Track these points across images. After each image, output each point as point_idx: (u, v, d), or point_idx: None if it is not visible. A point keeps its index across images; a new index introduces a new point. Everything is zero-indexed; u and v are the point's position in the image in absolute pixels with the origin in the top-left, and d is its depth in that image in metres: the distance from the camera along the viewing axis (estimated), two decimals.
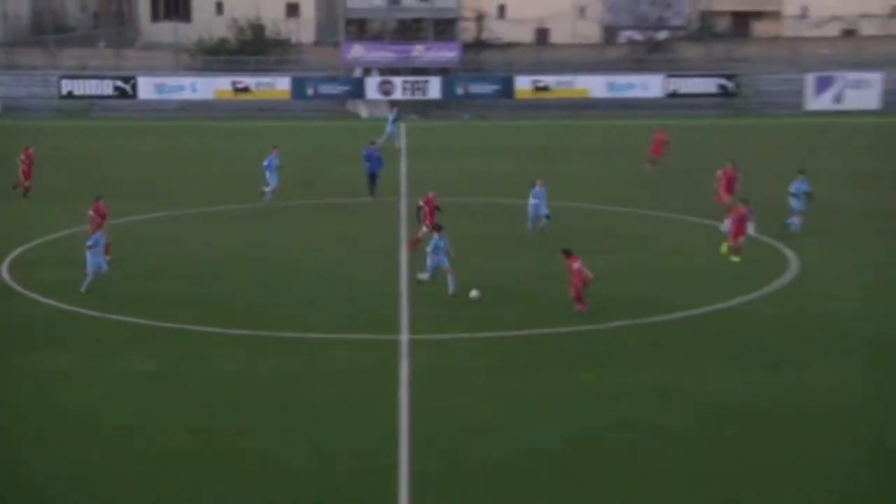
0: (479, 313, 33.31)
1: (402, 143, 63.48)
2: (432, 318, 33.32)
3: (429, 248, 34.12)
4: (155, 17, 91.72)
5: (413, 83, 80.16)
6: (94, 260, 33.93)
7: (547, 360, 29.11)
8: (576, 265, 32.25)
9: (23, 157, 48.90)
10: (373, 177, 48.73)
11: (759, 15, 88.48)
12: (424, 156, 53.09)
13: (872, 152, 58.89)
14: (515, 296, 34.49)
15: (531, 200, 42.67)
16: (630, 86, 79.37)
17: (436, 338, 31.73)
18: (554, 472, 23.74)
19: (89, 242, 34.46)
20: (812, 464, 24.08)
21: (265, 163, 48.70)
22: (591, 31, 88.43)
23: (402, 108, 68.99)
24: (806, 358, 30.47)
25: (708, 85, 79.35)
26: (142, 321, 30.21)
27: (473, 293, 32.79)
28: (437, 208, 39.82)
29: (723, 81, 79.14)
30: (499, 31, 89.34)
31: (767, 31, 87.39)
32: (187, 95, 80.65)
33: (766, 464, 24.41)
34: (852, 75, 77.85)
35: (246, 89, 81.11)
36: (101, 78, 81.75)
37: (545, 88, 79.37)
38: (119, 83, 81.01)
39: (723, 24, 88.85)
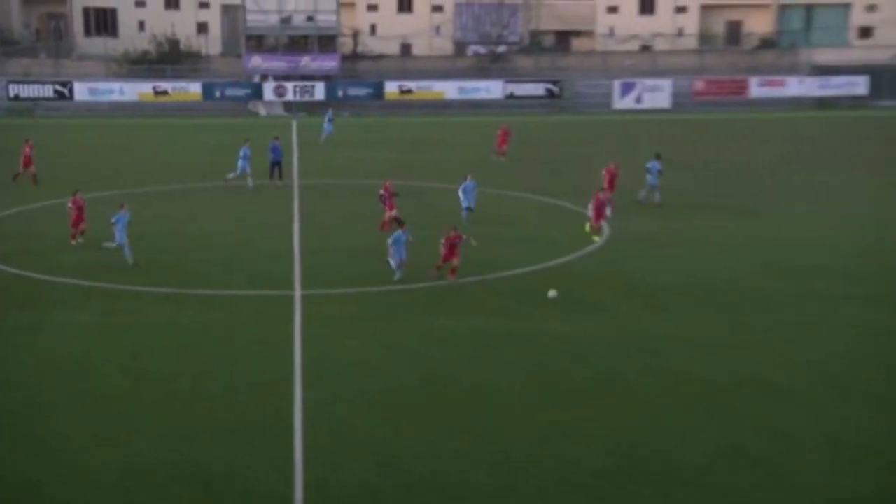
0: (360, 272, 33.61)
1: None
2: (320, 277, 33.59)
3: (390, 241, 32.15)
4: (87, 33, 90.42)
5: (302, 87, 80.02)
6: (119, 235, 33.06)
7: (413, 309, 29.50)
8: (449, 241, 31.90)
9: (26, 148, 47.92)
10: (276, 164, 48.30)
11: (576, 33, 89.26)
12: (313, 147, 52.81)
13: (666, 141, 59.62)
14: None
15: (462, 193, 40.51)
16: (476, 89, 79.79)
17: (323, 293, 31.99)
18: (416, 402, 23.97)
19: (113, 219, 33.30)
20: (617, 385, 24.51)
21: (240, 153, 47.48)
22: (445, 46, 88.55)
23: (335, 109, 68.18)
24: (615, 304, 30.99)
25: (537, 89, 79.94)
26: (84, 283, 29.93)
27: (552, 293, 30.24)
28: (395, 193, 39.35)
29: (549, 86, 79.80)
30: (371, 45, 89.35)
31: (583, 46, 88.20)
32: (116, 97, 79.89)
33: (588, 385, 24.78)
34: (649, 81, 78.98)
35: (164, 92, 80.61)
36: (43, 83, 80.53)
37: (409, 91, 79.60)
38: (58, 87, 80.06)
39: (548, 41, 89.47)
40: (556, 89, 79.41)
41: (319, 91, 79.77)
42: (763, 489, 19.64)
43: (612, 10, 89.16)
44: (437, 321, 28.91)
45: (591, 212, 37.63)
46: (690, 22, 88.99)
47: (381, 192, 39.55)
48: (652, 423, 22.67)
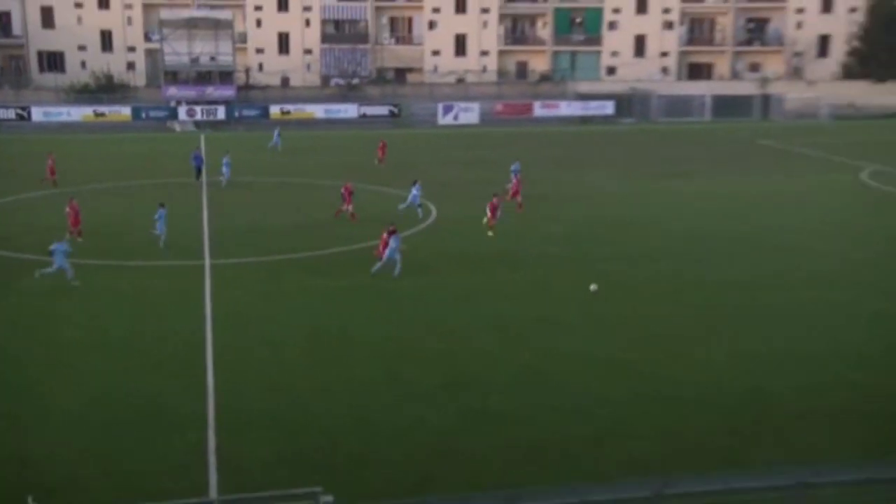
0: (256, 246, 33.69)
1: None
2: (226, 249, 33.65)
3: (388, 250, 29.77)
4: (41, 70, 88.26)
5: (207, 110, 79.12)
6: (161, 226, 32.99)
7: (298, 273, 29.91)
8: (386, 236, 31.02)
9: (49, 161, 46.69)
10: (199, 170, 47.91)
11: (410, 70, 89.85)
12: (220, 155, 52.61)
13: (477, 148, 60.69)
14: (280, 235, 34.88)
15: (413, 192, 39.24)
16: (338, 111, 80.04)
17: (229, 261, 32.09)
18: (301, 342, 24.51)
19: (156, 216, 33.05)
20: (446, 326, 25.05)
21: (223, 160, 47.45)
22: (314, 79, 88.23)
23: (282, 127, 67.23)
24: (441, 266, 31.78)
25: (383, 110, 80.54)
26: (47, 259, 29.49)
27: (593, 287, 28.43)
28: (352, 192, 38.93)
29: (391, 108, 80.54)
30: (259, 78, 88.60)
31: (415, 79, 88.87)
32: (64, 119, 77.95)
33: (426, 326, 25.60)
34: (463, 104, 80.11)
35: (102, 114, 79.12)
36: (7, 107, 78.23)
37: (288, 112, 79.38)
38: (19, 111, 77.89)
39: (390, 75, 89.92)
40: (396, 110, 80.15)
41: (221, 112, 79.13)
42: (551, 397, 20.81)
43: (436, 52, 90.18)
44: (316, 281, 29.52)
45: (489, 212, 36.11)
46: (491, 62, 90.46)
47: (342, 191, 38.93)
48: (472, 351, 23.68)
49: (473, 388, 21.08)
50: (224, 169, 47.34)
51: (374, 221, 38.51)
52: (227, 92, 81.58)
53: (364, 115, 79.83)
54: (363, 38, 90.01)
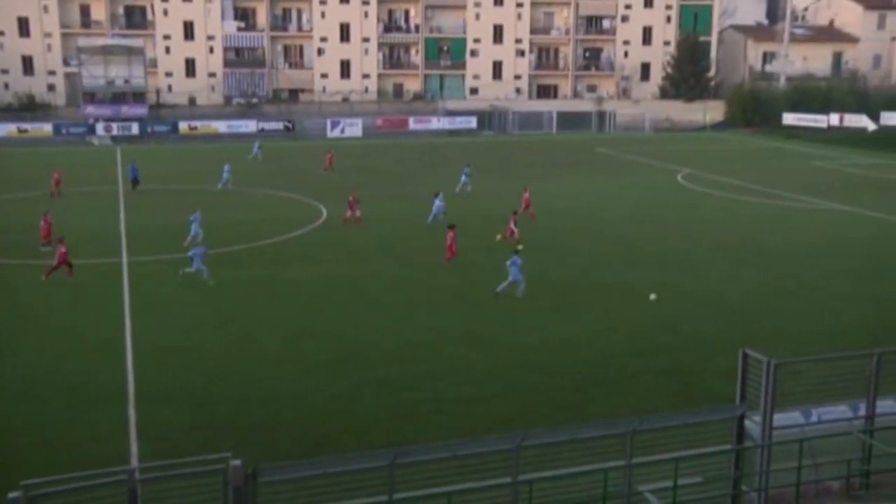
0: (169, 245, 32.86)
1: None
2: (142, 248, 32.70)
3: (509, 262, 26.68)
4: None
5: (122, 126, 76.64)
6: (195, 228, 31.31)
7: (211, 266, 29.14)
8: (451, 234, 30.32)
9: (55, 175, 45.64)
10: (135, 180, 46.20)
11: (302, 90, 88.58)
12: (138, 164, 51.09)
13: (358, 157, 60.42)
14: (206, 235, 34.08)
15: (437, 203, 37.17)
16: (240, 126, 78.42)
17: (144, 259, 31.24)
18: (216, 329, 24.12)
19: (191, 217, 31.48)
20: (336, 306, 24.95)
21: (225, 168, 46.62)
22: (218, 99, 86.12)
23: (261, 141, 65.09)
24: (331, 258, 31.69)
25: (279, 125, 79.35)
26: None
27: (652, 296, 26.60)
28: (358, 200, 37.66)
29: (287, 123, 79.34)
30: (168, 98, 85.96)
31: (307, 98, 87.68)
32: None
33: (320, 305, 25.47)
34: (348, 120, 79.65)
35: (26, 131, 75.15)
36: None
37: (195, 128, 77.32)
38: None
39: (285, 95, 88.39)
40: (290, 125, 79.08)
41: (135, 128, 76.40)
42: (428, 366, 21.06)
43: (324, 76, 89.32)
44: (225, 273, 29.00)
45: (510, 227, 33.39)
46: (372, 83, 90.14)
47: (350, 198, 37.79)
48: (360, 329, 23.74)
49: (363, 361, 21.16)
50: (225, 175, 46.76)
51: (281, 222, 38.03)
52: (140, 110, 78.99)
53: (262, 130, 78.46)
54: (261, 63, 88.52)
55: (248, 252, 32.39)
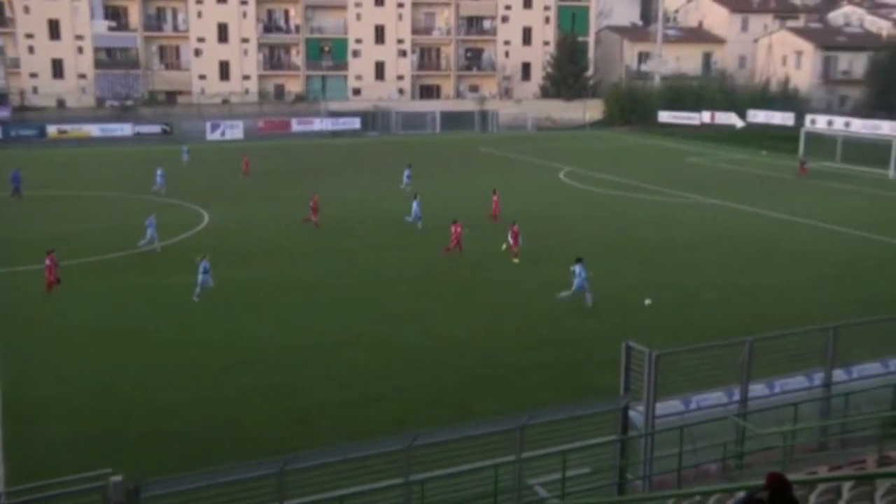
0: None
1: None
2: (13, 257, 31.16)
3: (575, 272, 25.87)
4: None
5: None
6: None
7: (87, 275, 28.02)
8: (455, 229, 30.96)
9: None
10: (16, 188, 44.11)
11: (180, 92, 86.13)
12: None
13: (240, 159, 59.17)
14: (67, 243, 32.67)
15: (414, 205, 36.85)
16: (114, 129, 75.34)
17: (17, 269, 29.81)
18: (93, 339, 23.31)
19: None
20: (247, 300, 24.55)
21: (158, 172, 45.23)
22: (90, 101, 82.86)
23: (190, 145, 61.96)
24: (218, 263, 30.85)
25: (155, 128, 76.63)
26: None
27: (647, 301, 26.42)
28: (318, 209, 36.84)
29: (164, 126, 76.75)
30: (34, 100, 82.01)
31: (185, 100, 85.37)
32: None
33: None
34: (228, 122, 77.93)
35: None
36: None
37: (65, 132, 73.95)
38: None
39: (162, 97, 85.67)
40: (168, 128, 76.63)
41: None
42: (316, 370, 20.85)
43: (202, 77, 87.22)
44: (105, 281, 28.01)
45: (510, 240, 31.79)
46: (252, 85, 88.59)
47: (311, 203, 37.04)
48: (247, 336, 23.31)
49: (250, 367, 20.82)
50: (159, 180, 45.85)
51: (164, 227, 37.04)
52: (2, 113, 75.15)
53: (138, 134, 75.85)
54: (135, 64, 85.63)
55: (127, 259, 31.38)
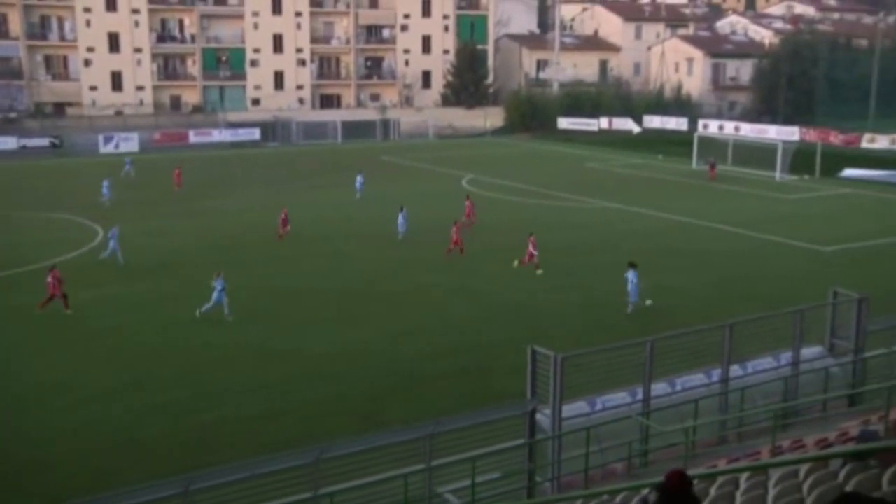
0: None
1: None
2: None
3: (628, 279, 25.90)
4: None
5: None
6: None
7: None
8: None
9: None
10: None
11: (70, 104, 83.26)
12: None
13: (138, 173, 57.33)
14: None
15: (400, 219, 36.59)
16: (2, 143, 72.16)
17: None
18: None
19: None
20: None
21: (104, 183, 44.01)
22: None
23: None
24: (122, 278, 29.86)
25: (44, 142, 73.59)
26: None
27: (648, 302, 26.65)
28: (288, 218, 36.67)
29: (53, 139, 73.87)
30: None
31: (75, 112, 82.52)
32: None
33: (102, 332, 24.00)
34: (123, 134, 75.60)
35: None
36: None
37: None
38: None
39: (49, 108, 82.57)
40: (57, 142, 73.75)
41: None
42: (211, 386, 20.31)
43: (93, 88, 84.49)
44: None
45: (530, 248, 31.13)
46: (147, 95, 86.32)
47: (281, 215, 36.80)
48: (139, 352, 22.58)
49: (147, 385, 20.21)
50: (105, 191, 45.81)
51: (56, 243, 35.67)
52: None
53: (24, 147, 72.76)
54: (17, 74, 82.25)
55: (15, 278, 30.09)
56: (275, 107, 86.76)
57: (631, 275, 26.21)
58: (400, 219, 36.97)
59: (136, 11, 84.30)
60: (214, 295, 25.41)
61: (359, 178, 48.51)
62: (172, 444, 17.31)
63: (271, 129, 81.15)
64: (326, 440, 15.34)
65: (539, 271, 30.77)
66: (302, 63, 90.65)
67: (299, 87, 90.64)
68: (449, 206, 45.95)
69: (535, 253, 30.90)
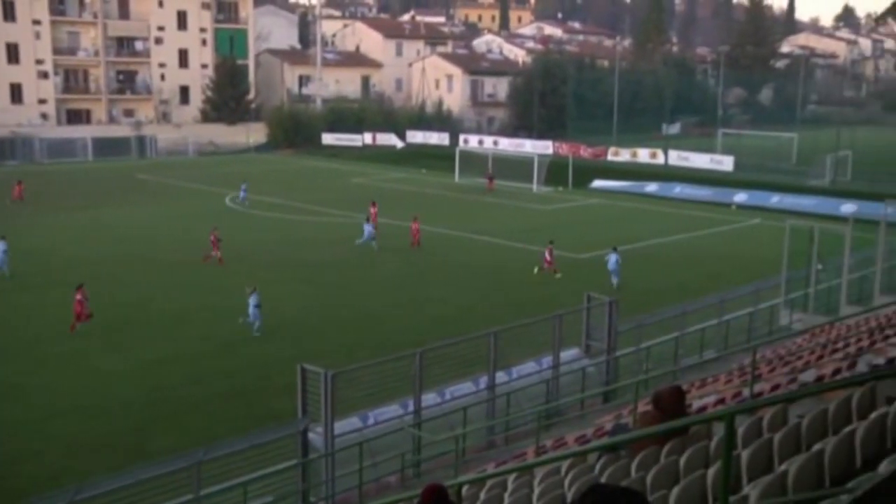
0: None
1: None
2: None
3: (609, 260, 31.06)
4: None
5: None
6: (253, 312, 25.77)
7: None
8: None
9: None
10: None
11: None
12: None
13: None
14: None
15: (366, 227, 38.38)
16: None
17: None
18: None
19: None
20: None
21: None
22: None
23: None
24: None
25: None
26: None
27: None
28: (219, 239, 34.65)
29: None
30: None
31: None
32: None
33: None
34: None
35: None
36: None
37: None
38: None
39: None
40: None
41: None
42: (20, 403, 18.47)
43: None
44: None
45: (547, 256, 33.48)
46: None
47: (211, 237, 34.91)
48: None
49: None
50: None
51: None
52: None
53: None
54: None
55: None
56: (13, 122, 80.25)
57: (614, 257, 31.32)
58: (367, 227, 38.53)
59: None
60: (251, 311, 25.69)
61: (243, 187, 51.41)
62: None
63: (10, 147, 75.08)
64: (83, 479, 14.41)
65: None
66: (44, 75, 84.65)
67: (42, 101, 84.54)
68: (211, 224, 44.70)
69: (551, 259, 33.32)
